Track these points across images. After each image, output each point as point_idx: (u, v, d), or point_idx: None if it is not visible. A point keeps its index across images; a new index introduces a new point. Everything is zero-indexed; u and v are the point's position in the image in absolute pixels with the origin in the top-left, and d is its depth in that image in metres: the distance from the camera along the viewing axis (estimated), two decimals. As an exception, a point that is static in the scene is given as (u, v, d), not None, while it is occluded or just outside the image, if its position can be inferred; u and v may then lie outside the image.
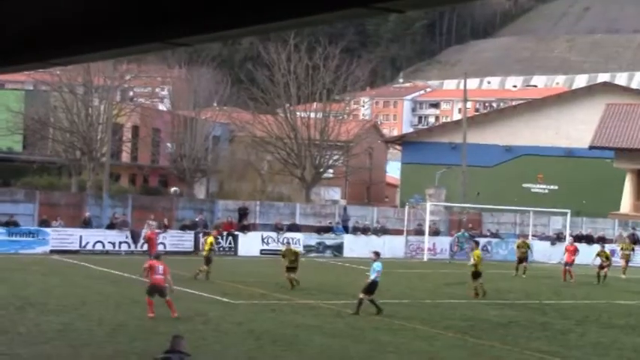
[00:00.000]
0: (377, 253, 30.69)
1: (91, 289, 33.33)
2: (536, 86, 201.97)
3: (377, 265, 29.67)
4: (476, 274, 36.01)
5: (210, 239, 39.23)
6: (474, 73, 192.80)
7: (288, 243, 45.41)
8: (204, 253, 38.57)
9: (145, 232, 47.55)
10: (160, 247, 49.68)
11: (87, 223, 50.72)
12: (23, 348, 21.36)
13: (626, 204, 74.52)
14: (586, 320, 30.04)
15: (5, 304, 27.76)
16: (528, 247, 49.77)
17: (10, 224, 47.93)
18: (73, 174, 66.35)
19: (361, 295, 29.06)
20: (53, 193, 55.43)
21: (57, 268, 41.28)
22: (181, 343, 13.42)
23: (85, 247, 48.53)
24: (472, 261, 36.40)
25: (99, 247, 49.10)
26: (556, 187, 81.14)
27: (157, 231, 47.13)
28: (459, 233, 57.58)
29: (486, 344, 24.55)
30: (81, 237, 49.14)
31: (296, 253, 37.07)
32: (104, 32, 9.68)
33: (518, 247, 49.38)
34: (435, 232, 58.84)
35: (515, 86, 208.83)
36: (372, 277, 29.50)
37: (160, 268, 26.84)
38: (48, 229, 48.76)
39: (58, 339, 22.72)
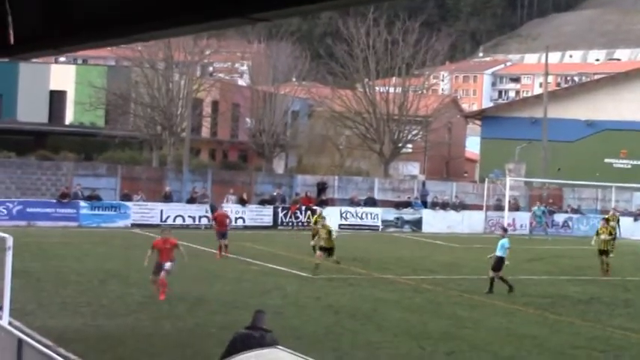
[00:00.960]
0: (504, 229, 30.31)
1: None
2: (619, 60, 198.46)
3: (504, 242, 29.22)
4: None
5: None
6: (555, 46, 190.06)
7: (322, 217, 35.88)
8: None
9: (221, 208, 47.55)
10: (240, 222, 50.13)
11: (167, 197, 51.28)
12: (106, 319, 21.74)
13: None
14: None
15: (89, 277, 28.27)
16: (618, 220, 47.97)
17: (93, 198, 48.68)
18: (153, 149, 67.05)
19: (491, 274, 28.85)
20: (134, 168, 56.07)
21: (138, 241, 41.84)
22: (263, 318, 13.42)
23: (165, 221, 49.05)
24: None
25: (179, 221, 49.61)
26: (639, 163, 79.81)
27: (225, 210, 42.94)
28: (536, 208, 56.88)
29: (566, 321, 24.33)
30: (162, 211, 49.73)
31: (329, 232, 32.36)
32: (185, 7, 9.72)
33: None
34: (514, 208, 58.33)
35: (597, 60, 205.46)
36: (499, 253, 29.16)
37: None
38: (129, 203, 49.42)
39: (140, 311, 23.06)
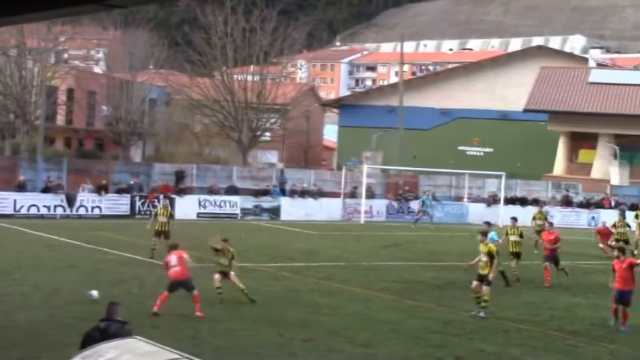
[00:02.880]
0: (488, 223, 30.12)
1: (26, 253, 33.01)
2: (471, 49, 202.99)
3: (493, 235, 28.78)
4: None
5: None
6: (410, 36, 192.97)
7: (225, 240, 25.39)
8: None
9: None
10: (96, 211, 49.48)
11: (21, 187, 50.12)
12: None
13: (559, 166, 75.64)
14: (524, 282, 30.33)
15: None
16: (545, 218, 42.12)
17: (-57, 188, 47.25)
18: (6, 137, 65.49)
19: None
20: (-14, 157, 54.71)
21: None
22: (117, 309, 13.27)
23: (19, 211, 47.97)
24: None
25: (33, 210, 48.58)
26: (491, 150, 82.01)
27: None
28: (425, 197, 57.57)
29: (423, 306, 24.85)
30: (15, 201, 48.57)
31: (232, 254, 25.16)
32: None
33: (534, 218, 42.63)
34: (371, 195, 59.14)
35: (451, 49, 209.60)
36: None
37: (173, 258, 22.89)
38: (-20, 193, 48.13)
39: (-8, 304, 22.55)
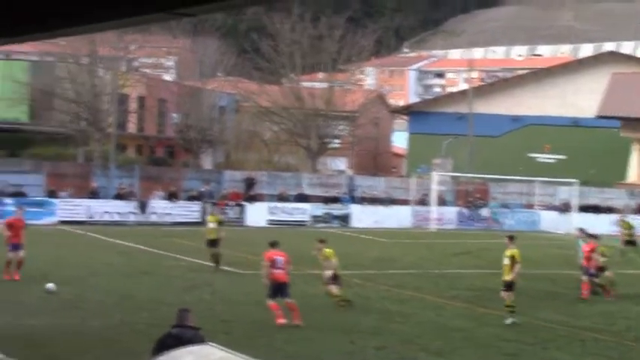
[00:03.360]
0: (582, 230, 29.88)
1: (99, 259, 33.38)
2: (541, 55, 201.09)
3: (579, 242, 28.55)
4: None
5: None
6: (478, 42, 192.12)
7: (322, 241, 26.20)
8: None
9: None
10: (168, 218, 49.89)
11: (94, 194, 50.76)
12: (33, 318, 21.42)
13: (633, 173, 74.44)
14: (597, 291, 29.87)
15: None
16: (630, 227, 41.32)
17: (18, 195, 47.96)
18: (79, 144, 66.28)
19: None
20: (60, 164, 55.37)
21: (65, 238, 41.37)
22: (188, 316, 13.24)
23: (92, 217, 48.57)
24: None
25: (107, 217, 49.16)
26: (563, 157, 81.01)
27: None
28: (493, 204, 57.34)
29: (495, 314, 24.57)
30: (89, 207, 49.21)
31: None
32: (109, 2, 9.62)
33: (620, 226, 41.95)
34: (442, 202, 58.83)
35: (520, 55, 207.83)
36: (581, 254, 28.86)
37: (280, 259, 22.13)
38: (55, 200, 48.84)
39: (67, 309, 22.78)
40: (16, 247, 27.46)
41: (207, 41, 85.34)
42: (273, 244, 22.63)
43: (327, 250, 24.98)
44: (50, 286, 24.87)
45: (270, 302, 21.73)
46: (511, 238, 24.81)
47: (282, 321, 21.39)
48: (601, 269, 28.88)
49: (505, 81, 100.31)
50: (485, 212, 57.85)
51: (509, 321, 23.23)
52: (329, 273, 24.69)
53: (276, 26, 72.35)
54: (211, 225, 32.99)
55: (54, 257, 33.21)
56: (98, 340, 19.59)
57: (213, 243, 32.34)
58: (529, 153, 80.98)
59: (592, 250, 28.89)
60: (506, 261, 23.96)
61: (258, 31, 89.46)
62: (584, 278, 28.70)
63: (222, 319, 21.50)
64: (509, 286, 23.80)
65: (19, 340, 19.09)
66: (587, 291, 28.28)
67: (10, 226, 27.94)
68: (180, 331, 12.92)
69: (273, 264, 21.90)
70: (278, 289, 21.78)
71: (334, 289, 24.54)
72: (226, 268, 31.67)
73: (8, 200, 47.11)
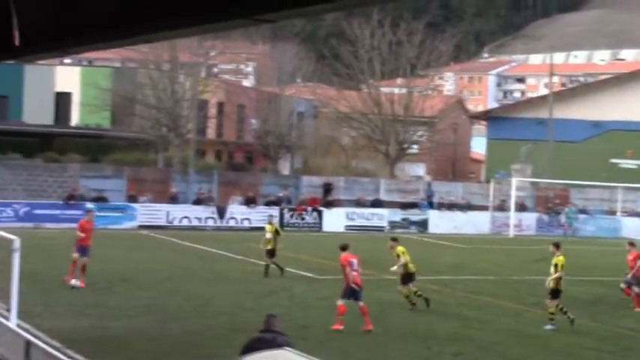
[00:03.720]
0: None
1: (178, 264, 33.72)
2: (624, 60, 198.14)
3: None
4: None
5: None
6: (560, 47, 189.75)
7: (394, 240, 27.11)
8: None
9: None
10: (246, 223, 50.19)
11: (174, 199, 51.31)
12: (114, 321, 21.74)
13: None
14: None
15: (96, 279, 28.21)
16: None
17: (100, 200, 48.69)
18: (159, 150, 67.05)
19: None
20: (141, 169, 56.05)
21: (145, 243, 41.90)
22: (275, 321, 13.31)
23: (172, 222, 49.10)
24: None
25: (185, 222, 49.64)
26: (647, 163, 79.63)
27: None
28: (568, 209, 56.75)
29: (575, 321, 24.25)
30: (168, 212, 49.75)
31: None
32: (189, 7, 9.72)
33: None
34: (521, 208, 58.28)
35: (602, 60, 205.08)
36: None
37: (355, 261, 22.40)
38: (136, 205, 49.46)
39: (148, 313, 23.06)
40: (82, 250, 27.63)
41: (286, 47, 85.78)
42: (344, 247, 22.86)
43: (399, 247, 25.16)
44: (73, 281, 26.38)
45: (340, 303, 21.91)
46: (557, 245, 24.54)
47: (338, 327, 21.57)
48: None
49: (586, 86, 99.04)
50: (562, 218, 57.19)
51: (548, 327, 23.00)
52: (399, 270, 24.96)
53: (355, 32, 72.42)
54: (268, 235, 32.50)
55: (134, 261, 33.65)
56: (178, 344, 19.79)
57: (270, 253, 31.95)
58: (611, 159, 79.81)
59: (635, 259, 28.20)
60: (552, 269, 23.71)
61: (337, 36, 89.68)
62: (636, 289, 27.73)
63: (300, 325, 21.55)
64: (553, 293, 23.49)
65: (101, 343, 19.40)
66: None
67: (81, 228, 28.27)
68: (273, 336, 12.95)
69: (350, 266, 22.12)
70: (352, 292, 21.99)
71: (404, 289, 24.65)
72: (303, 273, 31.77)
73: (90, 205, 47.83)
